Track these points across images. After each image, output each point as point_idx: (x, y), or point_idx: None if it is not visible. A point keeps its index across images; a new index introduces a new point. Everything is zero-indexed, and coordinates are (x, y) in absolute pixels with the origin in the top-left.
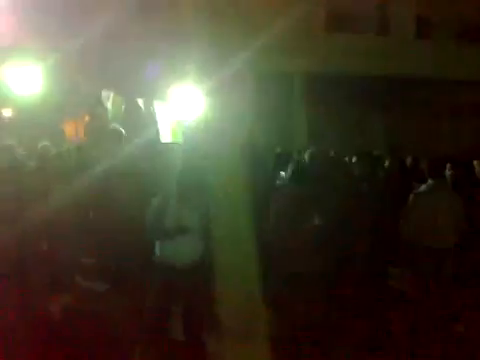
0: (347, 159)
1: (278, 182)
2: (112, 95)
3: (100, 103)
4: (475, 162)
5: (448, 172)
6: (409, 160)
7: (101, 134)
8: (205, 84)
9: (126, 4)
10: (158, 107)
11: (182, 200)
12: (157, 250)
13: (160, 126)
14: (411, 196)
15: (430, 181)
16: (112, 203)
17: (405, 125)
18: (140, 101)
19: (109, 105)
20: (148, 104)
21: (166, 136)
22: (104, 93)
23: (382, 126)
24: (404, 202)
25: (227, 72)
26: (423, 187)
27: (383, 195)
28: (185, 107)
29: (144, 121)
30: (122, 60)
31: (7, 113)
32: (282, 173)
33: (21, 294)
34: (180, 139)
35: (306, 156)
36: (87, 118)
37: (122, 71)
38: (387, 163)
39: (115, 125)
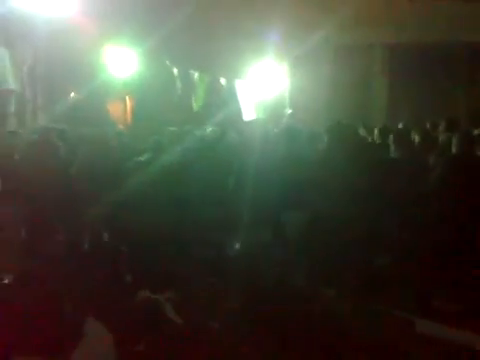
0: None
1: None
2: (197, 75)
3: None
4: None
5: None
6: None
7: None
8: (285, 60)
9: None
10: (240, 85)
11: None
12: None
13: (242, 104)
14: None
15: None
16: None
17: None
18: (222, 80)
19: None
20: (230, 83)
21: (248, 114)
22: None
23: (467, 96)
24: None
25: (306, 46)
26: None
27: None
28: (265, 84)
29: (227, 100)
30: (206, 41)
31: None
32: None
33: None
34: (262, 116)
35: None
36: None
37: (206, 52)
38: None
39: None
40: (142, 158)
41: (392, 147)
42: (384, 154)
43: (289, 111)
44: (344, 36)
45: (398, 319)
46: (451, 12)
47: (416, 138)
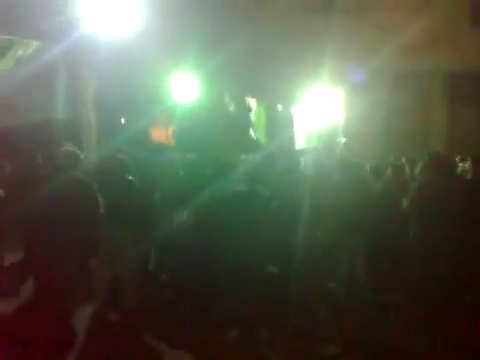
0: None
1: None
2: (254, 102)
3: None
4: None
5: None
6: None
7: None
8: (341, 86)
9: (264, 20)
10: (295, 112)
11: None
12: None
13: (296, 131)
14: None
15: None
16: None
17: None
18: (279, 107)
19: (252, 111)
20: (285, 109)
21: (301, 141)
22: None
23: None
24: None
25: (364, 72)
26: None
27: None
28: (320, 111)
29: (283, 126)
30: (263, 69)
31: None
32: None
33: None
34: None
35: None
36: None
37: (262, 77)
38: None
39: None
40: (239, 188)
41: None
42: None
43: (343, 140)
44: (404, 63)
45: None
46: None
47: None
